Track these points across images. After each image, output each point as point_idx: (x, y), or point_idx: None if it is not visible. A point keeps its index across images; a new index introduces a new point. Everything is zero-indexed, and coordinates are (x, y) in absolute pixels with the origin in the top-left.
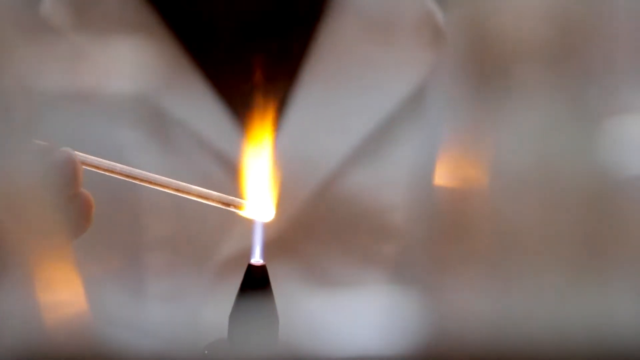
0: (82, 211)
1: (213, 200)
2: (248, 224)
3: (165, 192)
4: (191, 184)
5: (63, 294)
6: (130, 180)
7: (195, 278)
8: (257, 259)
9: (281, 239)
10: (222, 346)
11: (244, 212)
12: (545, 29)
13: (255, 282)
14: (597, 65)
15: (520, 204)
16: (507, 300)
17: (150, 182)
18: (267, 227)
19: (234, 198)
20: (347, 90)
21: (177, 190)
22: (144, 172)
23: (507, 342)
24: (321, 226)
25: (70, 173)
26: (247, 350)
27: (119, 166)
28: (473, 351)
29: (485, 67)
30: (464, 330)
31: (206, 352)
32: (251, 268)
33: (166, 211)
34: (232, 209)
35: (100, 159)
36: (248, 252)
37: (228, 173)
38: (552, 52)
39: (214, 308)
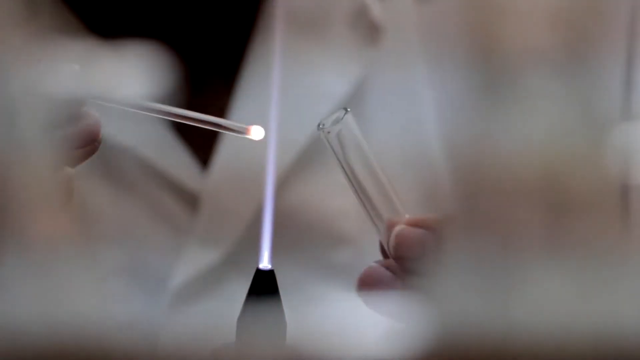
0: (89, 134)
1: (211, 124)
2: (198, 247)
3: (113, 221)
4: (139, 214)
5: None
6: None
7: (151, 305)
8: (265, 264)
9: (234, 256)
10: (230, 350)
11: (240, 134)
12: (553, 33)
13: (263, 287)
14: (605, 70)
15: (525, 208)
16: (509, 305)
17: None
18: (216, 246)
19: (230, 121)
20: (284, 96)
21: (171, 114)
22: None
23: (507, 346)
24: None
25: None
26: (254, 354)
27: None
28: (473, 356)
29: (491, 71)
30: (463, 335)
31: (213, 356)
32: (259, 273)
33: (117, 239)
34: (228, 131)
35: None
36: (201, 278)
37: (179, 201)
38: (560, 56)
39: (171, 334)
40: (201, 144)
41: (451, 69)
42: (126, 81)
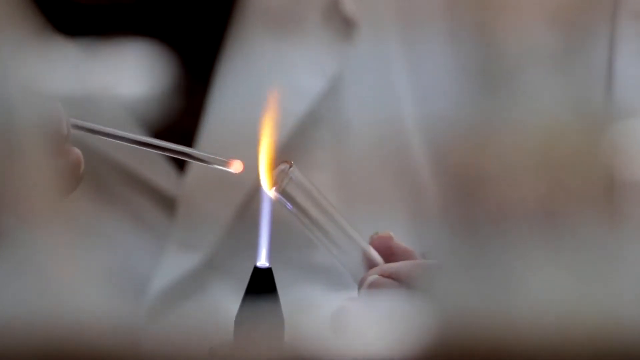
0: (69, 169)
1: (195, 158)
2: (177, 251)
3: (91, 226)
4: (117, 219)
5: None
6: (118, 141)
7: (132, 310)
8: (262, 262)
9: (213, 259)
10: (228, 348)
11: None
12: (550, 33)
13: (261, 285)
14: (602, 68)
15: (525, 208)
16: (508, 301)
17: (133, 142)
18: (195, 250)
19: (213, 156)
20: (260, 95)
21: (156, 147)
22: (131, 134)
23: (507, 342)
24: (249, 244)
25: (56, 126)
26: (252, 352)
27: (104, 128)
28: (473, 352)
29: (490, 71)
30: (463, 331)
31: (211, 355)
32: (257, 271)
33: (95, 244)
34: (213, 165)
35: (88, 122)
36: (181, 282)
37: (156, 205)
38: (557, 56)
39: (153, 338)
40: None
41: (433, 62)
42: (120, 80)
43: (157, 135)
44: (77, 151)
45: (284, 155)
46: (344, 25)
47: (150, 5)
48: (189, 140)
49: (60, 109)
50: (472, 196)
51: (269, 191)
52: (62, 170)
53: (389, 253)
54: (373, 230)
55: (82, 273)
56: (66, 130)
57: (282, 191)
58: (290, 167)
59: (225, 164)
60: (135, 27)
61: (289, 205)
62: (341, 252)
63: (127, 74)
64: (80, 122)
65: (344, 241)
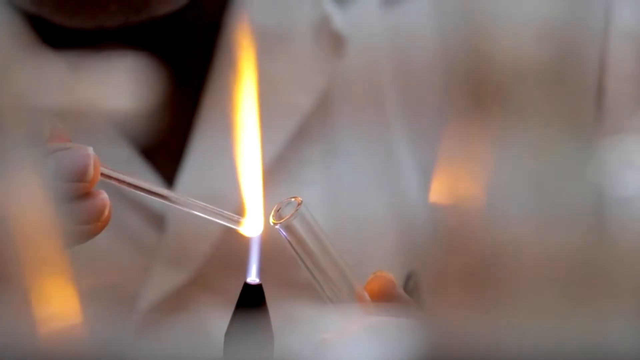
0: (93, 212)
1: (217, 216)
2: (166, 268)
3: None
4: (106, 236)
5: (57, 305)
6: (139, 192)
7: (120, 327)
8: (252, 278)
9: (201, 276)
10: None
11: (240, 227)
12: (541, 49)
13: (251, 301)
14: (592, 85)
15: (515, 224)
16: (500, 322)
17: (152, 193)
18: (183, 267)
19: (233, 214)
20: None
21: (179, 204)
22: (151, 185)
23: None
24: (238, 261)
25: (79, 170)
26: None
27: (129, 178)
28: None
29: (480, 87)
30: (456, 350)
31: None
32: (247, 287)
33: (83, 261)
34: (232, 225)
35: (113, 170)
36: (169, 298)
37: (145, 222)
38: (548, 72)
39: (140, 355)
40: (166, 164)
41: (423, 76)
42: (108, 94)
43: (145, 151)
44: (103, 195)
45: (272, 172)
46: (333, 41)
47: (138, 24)
48: (177, 157)
49: (91, 153)
50: (461, 212)
51: (273, 224)
52: (84, 213)
53: (387, 299)
54: (361, 249)
55: (71, 288)
56: (92, 175)
57: (286, 226)
58: (299, 204)
59: (240, 224)
60: (124, 42)
61: (291, 239)
62: (333, 294)
63: (116, 89)
64: (110, 172)
65: (340, 284)
